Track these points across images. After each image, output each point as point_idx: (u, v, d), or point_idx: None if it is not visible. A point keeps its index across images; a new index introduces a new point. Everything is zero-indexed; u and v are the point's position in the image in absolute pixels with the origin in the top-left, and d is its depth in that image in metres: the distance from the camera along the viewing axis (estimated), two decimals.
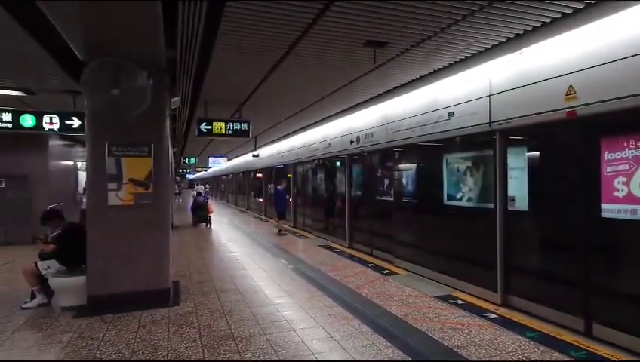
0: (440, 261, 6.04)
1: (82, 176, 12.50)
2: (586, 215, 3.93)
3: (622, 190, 3.58)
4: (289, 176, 14.51)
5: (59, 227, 5.34)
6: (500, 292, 4.83)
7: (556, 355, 3.46)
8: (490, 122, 4.89)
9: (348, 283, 5.92)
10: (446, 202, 5.87)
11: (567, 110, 3.91)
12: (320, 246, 9.54)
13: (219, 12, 3.44)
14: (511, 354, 3.51)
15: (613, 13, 3.39)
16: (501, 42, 4.25)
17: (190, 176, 51.54)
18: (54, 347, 3.76)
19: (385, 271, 6.70)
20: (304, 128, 11.17)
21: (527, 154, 4.64)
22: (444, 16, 3.58)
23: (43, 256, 5.11)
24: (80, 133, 6.36)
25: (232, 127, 7.47)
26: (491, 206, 4.97)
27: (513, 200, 4.73)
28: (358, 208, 9.16)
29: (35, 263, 4.98)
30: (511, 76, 4.61)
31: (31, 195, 9.58)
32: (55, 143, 10.61)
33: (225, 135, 7.45)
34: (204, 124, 7.34)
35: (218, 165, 20.67)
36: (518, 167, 4.70)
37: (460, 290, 5.41)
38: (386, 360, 3.45)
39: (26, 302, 4.90)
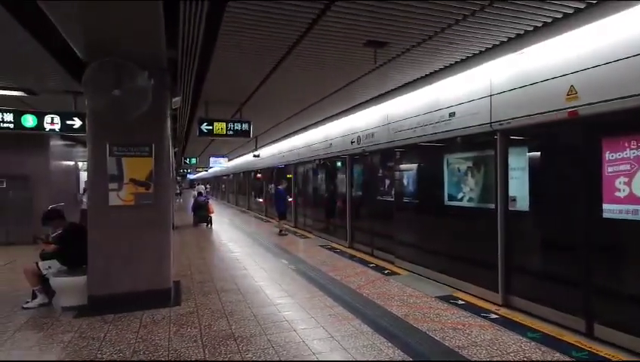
0: (441, 261, 6.03)
1: (83, 176, 12.53)
2: (587, 215, 3.92)
3: (623, 190, 3.57)
4: (288, 176, 14.52)
5: (60, 227, 5.35)
6: (501, 292, 4.83)
7: (557, 356, 3.45)
8: (491, 122, 4.88)
9: (349, 284, 5.92)
10: (447, 202, 5.87)
11: (569, 110, 3.91)
12: (321, 246, 9.54)
13: (220, 12, 3.44)
14: (512, 354, 3.51)
15: (614, 13, 3.39)
16: (502, 42, 4.24)
17: (191, 176, 51.59)
18: (55, 347, 3.76)
19: (386, 272, 6.69)
20: (305, 128, 11.17)
21: (528, 154, 4.63)
22: (444, 16, 3.58)
23: (44, 256, 5.12)
24: (81, 133, 6.37)
25: (233, 127, 7.49)
26: (492, 206, 4.96)
27: (514, 200, 4.72)
28: (359, 208, 9.16)
29: (37, 263, 4.99)
30: (512, 76, 4.61)
31: (32, 195, 9.59)
32: (56, 143, 10.62)
33: (226, 135, 7.47)
34: (205, 124, 7.35)
35: (219, 165, 20.70)
36: (519, 167, 4.69)
37: (460, 290, 5.41)
38: (386, 360, 3.45)
39: (27, 302, 4.91)
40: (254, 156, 15.41)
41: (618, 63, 3.47)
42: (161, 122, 5.19)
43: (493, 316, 4.47)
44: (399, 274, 6.54)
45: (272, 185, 16.53)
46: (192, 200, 16.65)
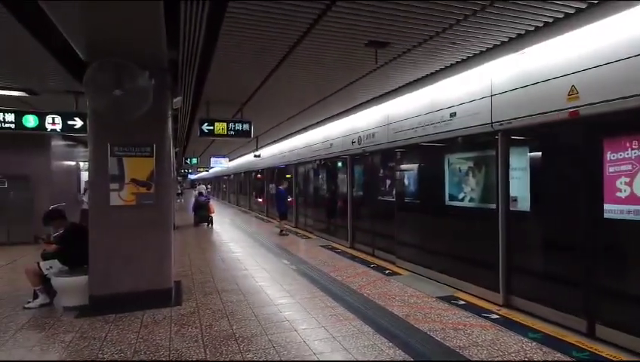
0: (442, 261, 6.03)
1: (84, 176, 12.54)
2: (588, 215, 3.92)
3: (624, 190, 3.56)
4: (287, 176, 14.53)
5: (61, 227, 5.35)
6: (502, 292, 4.82)
7: (559, 356, 3.45)
8: (492, 122, 4.88)
9: (350, 284, 5.91)
10: (448, 202, 5.87)
11: (570, 110, 3.90)
12: (322, 246, 9.54)
13: (221, 12, 3.44)
14: (513, 354, 3.51)
15: (615, 14, 3.38)
16: (503, 42, 4.24)
17: (192, 177, 51.67)
18: (57, 347, 3.77)
19: (387, 272, 6.69)
20: (306, 128, 11.17)
21: (529, 154, 4.63)
22: (445, 16, 3.57)
23: (45, 256, 5.13)
24: (82, 133, 6.37)
25: (234, 127, 7.49)
26: (493, 206, 4.96)
27: (515, 200, 4.72)
28: (360, 208, 9.15)
29: (38, 263, 5.00)
30: (513, 76, 4.60)
31: (33, 195, 9.61)
32: (57, 144, 10.64)
33: (227, 135, 7.47)
34: (206, 124, 7.35)
35: (220, 165, 20.70)
36: (520, 167, 4.69)
37: (461, 291, 5.41)
38: (387, 360, 3.45)
39: (29, 302, 4.92)
40: (255, 156, 15.42)
41: (619, 63, 3.47)
42: (162, 122, 5.19)
43: (495, 316, 4.47)
44: (400, 274, 6.54)
45: (273, 185, 16.53)
46: (193, 200, 16.66)
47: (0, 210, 9.37)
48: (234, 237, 11.33)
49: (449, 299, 5.10)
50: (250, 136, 7.82)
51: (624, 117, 3.55)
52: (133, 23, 3.65)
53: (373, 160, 8.46)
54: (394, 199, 7.43)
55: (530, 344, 3.71)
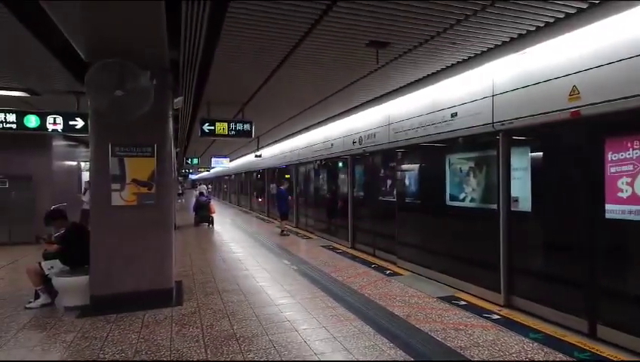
0: (443, 262, 6.02)
1: (85, 176, 12.55)
2: (589, 216, 3.91)
3: (626, 190, 3.56)
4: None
5: (62, 227, 5.36)
6: (503, 293, 4.82)
7: (560, 356, 3.45)
8: (493, 122, 4.88)
9: (350, 284, 5.91)
10: (449, 202, 5.86)
11: (571, 110, 3.90)
12: (322, 246, 9.54)
13: (222, 12, 3.44)
14: (514, 354, 3.50)
15: (616, 13, 3.38)
16: (504, 42, 4.24)
17: (193, 177, 51.70)
18: (58, 346, 3.78)
19: (387, 272, 6.69)
20: (307, 129, 11.18)
21: (530, 154, 4.62)
22: (446, 16, 3.57)
23: (47, 256, 5.13)
24: (83, 133, 6.38)
25: (235, 127, 7.49)
26: (494, 206, 4.95)
27: (516, 200, 4.72)
28: (361, 209, 9.15)
29: (39, 263, 5.01)
30: (514, 76, 4.60)
31: (34, 195, 9.62)
32: (59, 144, 10.66)
33: (228, 135, 7.47)
34: (207, 124, 7.35)
35: (220, 165, 20.72)
36: (521, 167, 4.68)
37: (462, 291, 5.40)
38: (388, 360, 3.44)
39: (30, 302, 4.92)
40: (256, 156, 15.43)
41: (620, 63, 3.46)
42: (163, 122, 5.20)
43: (496, 316, 4.47)
44: (401, 274, 6.54)
45: (274, 186, 16.54)
46: (193, 200, 16.68)
47: (1, 210, 9.38)
48: (235, 238, 11.33)
49: (450, 300, 5.09)
50: (251, 137, 7.82)
51: (625, 117, 3.54)
52: (134, 22, 3.66)
53: (373, 160, 8.46)
54: (395, 199, 7.42)
55: (531, 344, 3.71)
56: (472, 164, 5.49)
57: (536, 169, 4.54)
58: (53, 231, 5.58)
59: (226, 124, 7.42)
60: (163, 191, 5.09)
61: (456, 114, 5.52)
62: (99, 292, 4.77)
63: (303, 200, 13.59)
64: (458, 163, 5.73)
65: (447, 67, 5.13)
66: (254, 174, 21.63)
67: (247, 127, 7.57)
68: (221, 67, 5.02)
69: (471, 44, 4.30)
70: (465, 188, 5.57)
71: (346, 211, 9.56)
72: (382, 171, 8.23)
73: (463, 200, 5.59)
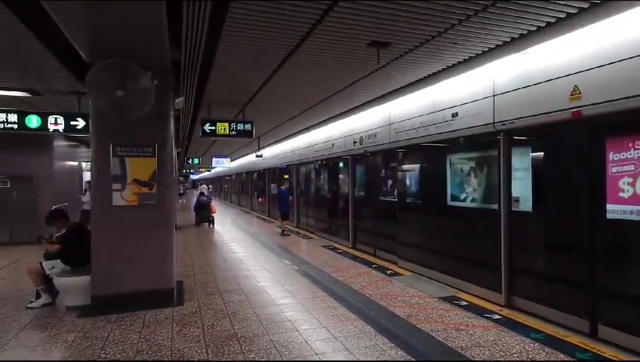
0: (444, 262, 6.02)
1: (86, 176, 12.58)
2: (590, 216, 3.91)
3: (627, 191, 3.55)
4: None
5: (64, 227, 5.37)
6: (504, 293, 4.81)
7: (561, 357, 3.44)
8: (494, 122, 4.87)
9: (351, 284, 5.91)
10: (450, 203, 5.86)
11: (573, 110, 3.89)
12: (323, 246, 9.54)
13: (223, 12, 3.45)
14: (515, 355, 3.50)
15: (617, 13, 3.38)
16: (505, 42, 4.23)
17: (194, 177, 51.73)
18: (59, 346, 3.78)
19: (388, 272, 6.69)
20: (307, 129, 11.18)
21: (531, 154, 4.62)
22: (447, 16, 3.57)
23: (48, 256, 5.14)
24: (85, 133, 6.40)
25: (236, 127, 7.50)
26: (495, 207, 4.95)
27: (517, 200, 4.71)
28: (362, 209, 9.15)
29: (40, 263, 5.01)
30: (515, 76, 4.59)
31: (36, 195, 9.64)
32: (60, 144, 10.68)
33: (228, 135, 7.48)
34: (208, 124, 7.36)
35: (221, 166, 20.72)
36: (522, 167, 4.68)
37: (463, 291, 5.40)
38: (389, 360, 3.44)
39: (31, 302, 4.93)
40: (257, 156, 15.44)
41: (622, 63, 3.46)
42: (164, 123, 5.20)
43: (497, 317, 4.46)
44: (402, 274, 6.54)
45: (275, 185, 16.54)
46: (194, 200, 16.69)
47: (3, 210, 9.39)
48: (235, 238, 11.34)
49: (451, 300, 5.09)
50: (252, 137, 7.83)
51: (627, 117, 3.53)
52: (135, 23, 3.66)
53: (374, 160, 8.46)
54: (395, 199, 7.42)
55: (532, 344, 3.70)
56: (473, 164, 5.48)
57: (538, 169, 4.54)
58: (55, 231, 5.59)
59: (226, 124, 7.43)
60: (164, 191, 5.09)
61: (457, 114, 5.51)
62: (100, 292, 4.78)
63: (303, 201, 13.59)
64: (459, 163, 5.73)
65: (448, 67, 5.13)
66: (255, 174, 21.64)
67: (247, 127, 7.58)
68: (222, 67, 5.02)
69: (472, 44, 4.30)
70: (466, 188, 5.57)
71: (346, 211, 9.55)
72: (383, 171, 8.22)
73: (464, 200, 5.59)
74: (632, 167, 3.51)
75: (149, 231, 5.01)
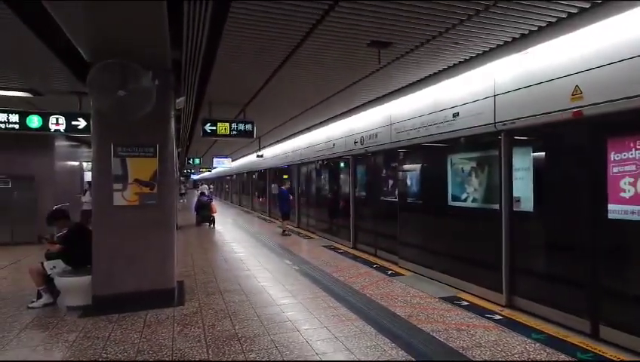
0: (444, 262, 6.01)
1: (87, 176, 12.58)
2: (592, 216, 3.90)
3: (628, 191, 3.55)
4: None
5: (65, 227, 5.38)
6: (505, 293, 4.81)
7: (562, 357, 3.44)
8: (495, 122, 4.87)
9: (352, 284, 5.91)
10: (451, 203, 5.85)
11: (574, 110, 3.89)
12: (324, 246, 9.53)
13: (224, 12, 3.45)
14: (516, 355, 3.49)
15: (618, 13, 3.38)
16: (506, 42, 4.23)
17: (194, 177, 51.76)
18: (60, 346, 3.79)
19: (389, 272, 6.68)
20: (308, 129, 11.18)
21: (532, 154, 4.61)
22: (448, 16, 3.57)
23: (49, 256, 5.14)
24: (86, 133, 6.41)
25: (237, 127, 7.51)
26: (496, 207, 4.95)
27: (518, 201, 4.71)
28: (362, 209, 9.15)
29: (42, 263, 5.01)
30: (516, 76, 4.59)
31: (37, 195, 9.64)
32: (61, 144, 10.69)
33: (229, 135, 7.49)
34: (209, 124, 7.37)
35: (222, 166, 20.73)
36: (523, 167, 4.68)
37: (464, 291, 5.39)
38: (390, 360, 3.44)
39: (33, 302, 4.94)
40: (258, 156, 15.44)
41: (623, 63, 3.46)
42: (165, 123, 5.20)
43: (498, 317, 4.46)
44: (403, 274, 6.53)
45: (276, 185, 16.55)
46: (195, 200, 16.70)
47: (4, 210, 9.40)
48: (236, 238, 11.34)
49: (452, 300, 5.09)
50: (253, 137, 7.83)
51: (628, 117, 3.53)
52: (136, 23, 3.66)
53: (375, 160, 8.46)
54: (396, 199, 7.42)
55: (533, 345, 3.70)
56: (473, 164, 5.48)
57: (539, 169, 4.53)
58: (56, 231, 5.60)
59: (227, 125, 7.44)
60: (165, 191, 5.10)
61: (458, 114, 5.51)
62: (101, 292, 4.78)
63: (304, 201, 13.59)
64: (460, 163, 5.73)
65: (450, 67, 5.12)
66: (256, 174, 21.64)
67: (248, 127, 7.59)
68: (223, 67, 5.02)
69: (473, 44, 4.30)
70: (467, 189, 5.56)
71: (347, 211, 9.55)
72: (384, 171, 8.22)
73: (465, 200, 5.59)
74: (634, 167, 3.50)
75: (149, 231, 5.01)
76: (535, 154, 4.60)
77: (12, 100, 6.58)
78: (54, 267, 4.98)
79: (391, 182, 7.87)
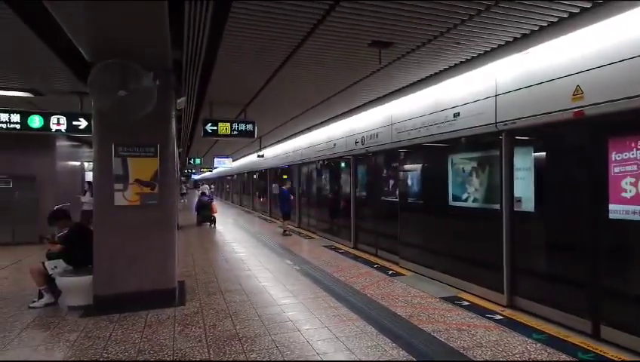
0: (445, 262, 6.01)
1: (87, 176, 12.59)
2: (593, 216, 3.90)
3: (630, 191, 3.54)
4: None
5: (66, 227, 5.39)
6: (506, 293, 4.81)
7: (563, 357, 3.43)
8: (496, 122, 4.86)
9: (353, 284, 5.91)
10: (451, 203, 5.85)
11: (575, 110, 3.89)
12: (325, 246, 9.53)
13: (225, 13, 3.45)
14: (517, 355, 3.49)
15: (619, 13, 3.38)
16: (508, 42, 4.23)
17: (195, 177, 51.79)
18: (61, 346, 3.79)
19: (390, 272, 6.68)
20: (309, 129, 11.18)
21: (533, 154, 4.61)
22: (450, 16, 3.57)
23: (50, 256, 5.15)
24: (87, 133, 6.42)
25: (238, 127, 7.52)
26: (497, 207, 4.94)
27: (519, 201, 4.70)
28: (363, 209, 9.15)
29: (43, 263, 5.02)
30: (517, 76, 4.59)
31: (38, 195, 9.65)
32: (62, 144, 10.70)
33: (230, 135, 7.50)
34: (210, 124, 7.38)
35: (223, 166, 20.75)
36: (524, 167, 4.67)
37: (465, 291, 5.39)
38: (390, 360, 3.44)
39: (34, 302, 4.94)
40: (258, 156, 15.45)
41: (623, 63, 3.45)
42: (166, 123, 5.21)
43: (498, 317, 4.45)
44: (403, 274, 6.53)
45: (276, 185, 16.55)
46: (196, 200, 16.71)
47: (5, 210, 9.40)
48: (237, 238, 11.35)
49: (453, 300, 5.08)
50: (254, 137, 7.84)
51: (629, 117, 3.52)
52: (137, 23, 3.67)
53: (376, 160, 8.46)
54: (397, 199, 7.41)
55: (534, 345, 3.70)
56: (474, 164, 5.47)
57: (540, 169, 4.53)
58: (57, 231, 5.60)
59: (228, 125, 7.44)
60: (166, 191, 5.10)
61: (458, 114, 5.51)
62: (102, 292, 4.79)
63: (305, 201, 13.59)
64: (461, 163, 5.72)
65: (451, 67, 5.12)
66: (256, 174, 21.65)
67: (249, 127, 7.59)
68: (224, 67, 5.03)
69: (475, 44, 4.29)
70: (467, 189, 5.56)
71: (348, 211, 9.55)
72: (384, 171, 8.22)
73: (466, 200, 5.58)
74: (635, 167, 3.50)
75: (150, 231, 5.01)
76: (536, 154, 4.60)
77: (13, 100, 6.59)
78: (55, 267, 4.98)
79: (392, 182, 7.86)
